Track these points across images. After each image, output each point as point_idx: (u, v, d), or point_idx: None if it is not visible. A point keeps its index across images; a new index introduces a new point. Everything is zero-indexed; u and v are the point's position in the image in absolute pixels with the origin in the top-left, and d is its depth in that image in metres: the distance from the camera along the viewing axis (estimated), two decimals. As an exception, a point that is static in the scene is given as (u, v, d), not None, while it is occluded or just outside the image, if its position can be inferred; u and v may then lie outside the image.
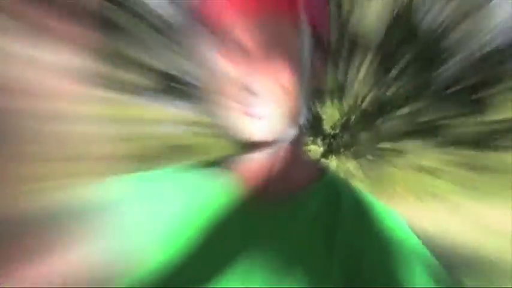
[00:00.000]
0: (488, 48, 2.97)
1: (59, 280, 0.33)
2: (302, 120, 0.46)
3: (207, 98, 0.45)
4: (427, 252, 0.47)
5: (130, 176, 0.50)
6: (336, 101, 2.89)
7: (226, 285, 0.44)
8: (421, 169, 3.01)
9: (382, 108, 3.05)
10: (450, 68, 3.07)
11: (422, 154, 3.08)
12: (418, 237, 0.48)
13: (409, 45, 2.94)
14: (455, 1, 2.86)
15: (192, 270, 0.45)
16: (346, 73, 2.97)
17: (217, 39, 0.43)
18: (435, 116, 3.10)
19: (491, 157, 2.93)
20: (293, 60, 0.44)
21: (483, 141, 2.96)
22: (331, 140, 2.76)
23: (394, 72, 3.04)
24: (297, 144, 0.48)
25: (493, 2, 2.91)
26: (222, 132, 0.44)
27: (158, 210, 0.49)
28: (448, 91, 3.04)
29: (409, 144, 3.09)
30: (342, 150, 2.83)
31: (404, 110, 3.12)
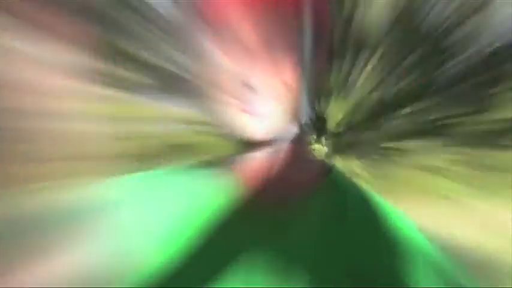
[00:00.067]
0: (493, 46, 2.95)
1: (59, 280, 0.32)
2: (304, 118, 0.45)
3: (206, 95, 0.43)
4: (435, 252, 0.47)
5: (129, 176, 0.50)
6: (340, 99, 2.86)
7: (226, 285, 0.43)
8: (427, 168, 2.99)
9: (386, 107, 3.03)
10: (455, 66, 3.06)
11: (428, 153, 3.06)
12: (425, 236, 0.48)
13: (413, 44, 2.92)
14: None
15: (192, 271, 0.44)
16: (350, 71, 2.95)
17: (218, 34, 0.42)
18: (440, 114, 3.08)
19: (498, 156, 2.90)
20: (295, 56, 0.42)
21: (489, 140, 2.94)
22: (335, 139, 2.74)
23: (398, 71, 3.03)
24: (299, 143, 0.47)
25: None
26: (222, 131, 0.44)
27: (158, 211, 0.48)
28: (453, 89, 3.03)
29: (413, 144, 3.07)
30: (346, 149, 2.82)
31: (409, 109, 3.10)
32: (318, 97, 0.48)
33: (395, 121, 3.12)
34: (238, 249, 0.45)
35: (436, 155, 3.04)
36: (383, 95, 3.04)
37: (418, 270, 0.44)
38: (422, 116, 3.08)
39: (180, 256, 0.45)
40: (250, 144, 0.43)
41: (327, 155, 0.54)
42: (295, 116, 0.44)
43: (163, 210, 0.48)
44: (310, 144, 0.50)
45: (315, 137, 0.50)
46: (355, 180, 0.52)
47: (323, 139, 0.51)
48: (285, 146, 0.46)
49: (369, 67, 2.99)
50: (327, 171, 0.51)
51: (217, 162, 0.51)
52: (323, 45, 0.46)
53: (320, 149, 0.51)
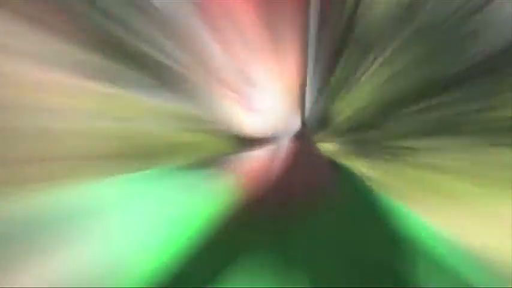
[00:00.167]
0: (498, 45, 2.93)
1: (59, 280, 0.31)
2: (307, 115, 0.45)
3: (203, 90, 0.43)
4: (444, 252, 0.46)
5: (124, 177, 0.49)
6: (346, 96, 2.85)
7: (226, 285, 0.43)
8: (435, 167, 2.96)
9: (393, 105, 3.02)
10: (462, 62, 3.05)
11: (437, 152, 3.04)
12: (434, 237, 0.48)
13: (420, 41, 2.90)
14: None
15: (191, 271, 0.44)
16: (356, 68, 2.94)
17: (218, 28, 0.41)
18: (449, 112, 3.06)
19: (509, 154, 2.87)
20: (298, 50, 0.42)
21: (500, 138, 2.91)
22: (341, 137, 2.74)
23: (405, 68, 3.01)
24: (302, 140, 0.47)
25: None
26: (220, 128, 0.43)
27: (157, 211, 0.48)
28: (461, 87, 3.02)
29: (421, 142, 3.05)
30: (352, 147, 2.81)
31: (416, 107, 3.09)
32: (323, 94, 0.48)
33: (403, 119, 3.12)
34: (238, 250, 0.45)
35: (446, 154, 3.03)
36: (391, 93, 3.03)
37: (427, 270, 0.44)
38: (430, 114, 3.07)
39: (179, 256, 0.45)
40: (251, 141, 0.43)
41: (333, 154, 0.52)
42: (298, 111, 0.44)
43: (163, 211, 0.48)
44: (314, 142, 0.49)
45: (319, 134, 0.49)
46: (363, 179, 0.52)
47: (328, 138, 0.50)
48: (287, 144, 0.45)
49: (377, 64, 2.98)
50: (333, 170, 0.50)
51: (216, 162, 0.50)
52: (327, 38, 0.45)
53: (326, 147, 0.50)
